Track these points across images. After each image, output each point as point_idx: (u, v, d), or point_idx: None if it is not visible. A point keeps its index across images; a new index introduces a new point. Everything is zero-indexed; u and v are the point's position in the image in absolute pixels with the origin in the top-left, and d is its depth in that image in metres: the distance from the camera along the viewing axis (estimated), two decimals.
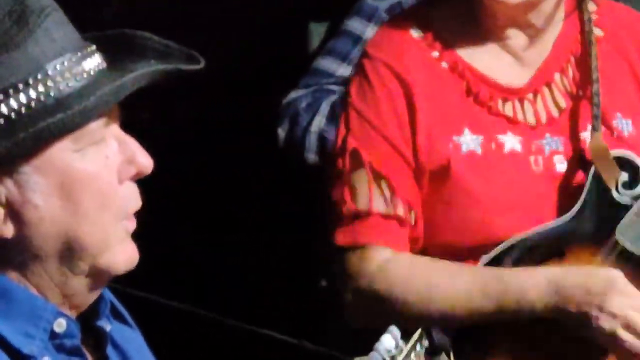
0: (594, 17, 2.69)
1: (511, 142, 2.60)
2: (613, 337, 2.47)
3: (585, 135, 2.62)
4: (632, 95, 2.70)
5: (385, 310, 2.53)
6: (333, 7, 3.55)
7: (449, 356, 2.07)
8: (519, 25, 2.62)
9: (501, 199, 2.57)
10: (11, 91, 1.77)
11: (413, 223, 2.58)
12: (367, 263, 2.55)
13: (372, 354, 1.94)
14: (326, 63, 3.39)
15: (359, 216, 2.57)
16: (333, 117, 3.24)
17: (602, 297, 2.46)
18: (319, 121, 3.28)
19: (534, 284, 2.50)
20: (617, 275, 2.50)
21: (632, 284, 2.50)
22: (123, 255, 1.87)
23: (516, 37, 2.63)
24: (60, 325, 1.83)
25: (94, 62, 1.84)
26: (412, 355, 2.01)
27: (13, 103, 1.77)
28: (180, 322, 2.20)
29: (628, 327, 2.47)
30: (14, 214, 1.80)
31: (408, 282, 2.55)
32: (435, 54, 2.64)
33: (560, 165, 2.61)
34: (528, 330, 2.54)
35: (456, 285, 2.54)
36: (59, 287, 1.85)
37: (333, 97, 3.33)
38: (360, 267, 2.56)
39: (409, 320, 2.45)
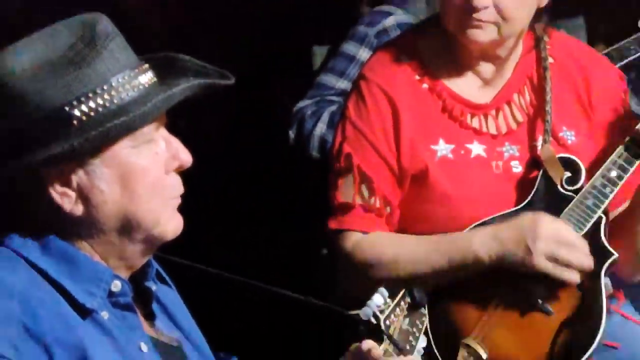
0: (547, 47, 2.66)
1: (477, 149, 2.58)
2: (551, 256, 2.44)
3: (537, 144, 2.59)
4: (576, 112, 2.65)
5: (365, 277, 2.54)
6: (332, 33, 3.52)
7: (425, 309, 2.13)
8: (488, 58, 2.60)
9: (468, 196, 2.55)
10: (83, 99, 1.77)
11: (389, 212, 2.57)
12: (347, 243, 2.56)
13: (365, 308, 2.00)
14: (327, 78, 3.41)
15: (345, 207, 2.57)
16: (332, 124, 3.25)
17: (533, 230, 2.44)
18: (320, 127, 3.30)
19: (476, 238, 2.47)
20: (540, 214, 2.49)
21: None
22: (172, 226, 1.87)
23: (485, 66, 2.61)
24: (116, 286, 1.83)
25: (148, 77, 1.84)
26: (397, 309, 2.07)
27: (84, 108, 1.77)
28: (208, 284, 2.21)
29: (559, 243, 2.45)
30: (84, 197, 1.80)
31: (379, 253, 2.54)
32: (418, 77, 2.60)
33: (516, 168, 2.59)
34: (478, 285, 2.51)
35: (416, 249, 2.52)
36: (118, 253, 1.85)
37: (333, 107, 3.34)
38: (343, 246, 2.57)
39: (385, 283, 2.45)
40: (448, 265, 2.50)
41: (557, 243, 2.44)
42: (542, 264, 2.44)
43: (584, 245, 2.46)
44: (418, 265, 2.51)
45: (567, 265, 2.44)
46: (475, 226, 2.52)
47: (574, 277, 2.46)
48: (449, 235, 2.52)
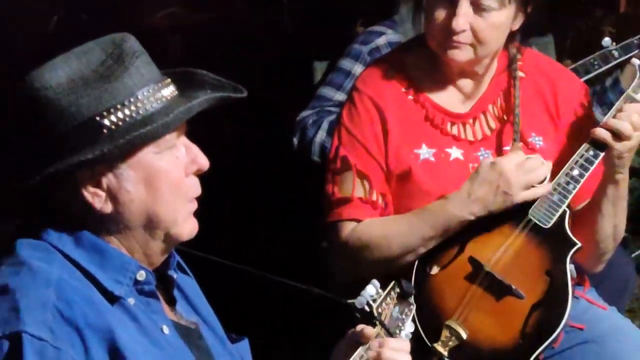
0: (519, 63, 2.65)
1: (455, 153, 2.58)
2: (524, 187, 2.45)
3: (507, 148, 2.58)
4: (544, 120, 2.64)
5: (362, 261, 2.53)
6: (330, 51, 3.52)
7: (412, 299, 2.13)
8: (466, 74, 2.59)
9: (446, 193, 2.54)
10: (112, 110, 1.78)
11: (384, 206, 2.57)
12: (343, 232, 2.55)
13: (359, 297, 2.02)
14: (326, 91, 3.40)
15: (342, 202, 2.56)
16: (331, 132, 3.21)
17: (501, 177, 2.43)
18: (321, 134, 3.29)
19: (455, 204, 2.46)
20: (496, 160, 2.48)
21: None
22: (187, 228, 1.88)
23: (464, 81, 2.61)
24: (141, 275, 1.84)
25: (170, 90, 1.84)
26: (388, 299, 2.08)
27: (113, 118, 1.78)
28: (222, 274, 2.22)
29: (523, 172, 2.44)
30: (112, 196, 1.81)
31: (370, 233, 2.53)
32: (404, 89, 2.60)
33: None
34: (458, 275, 2.51)
35: (402, 225, 2.51)
36: (142, 248, 1.86)
37: (332, 117, 3.32)
38: (340, 236, 2.56)
39: (379, 265, 2.49)
40: (434, 232, 2.49)
41: (523, 174, 2.45)
42: (522, 196, 2.46)
43: (540, 159, 2.48)
44: (406, 237, 2.50)
45: (540, 185, 2.47)
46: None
47: (546, 187, 2.48)
48: (427, 209, 2.51)
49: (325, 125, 3.30)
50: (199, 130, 1.93)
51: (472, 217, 2.47)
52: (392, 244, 2.52)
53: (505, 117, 2.61)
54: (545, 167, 2.48)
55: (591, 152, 2.49)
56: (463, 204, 2.47)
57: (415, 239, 2.51)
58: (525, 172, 2.46)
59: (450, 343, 2.47)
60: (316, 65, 3.61)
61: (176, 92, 1.85)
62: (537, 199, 2.50)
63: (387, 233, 2.52)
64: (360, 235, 2.54)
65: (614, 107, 2.50)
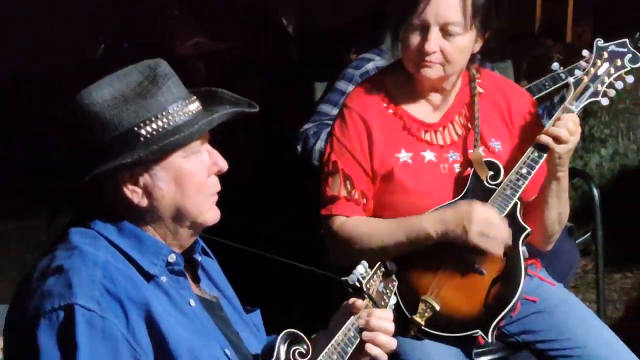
0: (478, 81, 2.63)
1: (429, 156, 2.56)
2: (481, 234, 2.42)
3: (471, 151, 2.56)
4: (501, 128, 2.59)
5: (348, 250, 2.51)
6: (329, 73, 3.49)
7: (394, 277, 2.15)
8: (436, 89, 2.58)
9: (423, 190, 2.53)
10: (147, 122, 1.78)
11: (364, 202, 2.54)
12: (334, 225, 2.54)
13: (351, 275, 2.03)
14: (325, 107, 3.35)
15: (333, 199, 2.55)
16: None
17: (468, 215, 2.41)
18: (320, 144, 3.26)
19: (427, 221, 2.44)
20: (474, 202, 2.45)
21: None
22: (211, 216, 1.88)
23: (434, 95, 2.59)
24: (172, 258, 1.84)
25: (195, 105, 1.84)
26: (374, 277, 2.09)
27: (148, 129, 1.78)
28: (240, 257, 2.21)
29: (487, 224, 2.42)
30: (148, 193, 1.81)
31: (356, 231, 2.52)
32: (385, 104, 2.58)
33: (458, 169, 2.56)
34: (431, 258, 2.49)
35: (383, 229, 2.49)
36: (173, 234, 1.86)
37: (329, 129, 3.32)
38: (331, 227, 2.55)
39: (362, 255, 2.38)
40: (407, 240, 2.45)
41: (486, 224, 2.42)
42: (475, 239, 2.43)
43: (504, 225, 2.45)
44: (384, 239, 2.48)
45: (493, 239, 2.44)
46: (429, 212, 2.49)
47: (498, 249, 2.45)
48: (407, 219, 2.48)
49: (323, 135, 3.28)
50: (218, 138, 1.93)
51: (435, 236, 2.44)
52: (371, 243, 2.50)
53: (469, 126, 2.58)
54: (506, 234, 2.44)
55: (536, 154, 2.49)
56: (433, 221, 2.44)
57: (390, 243, 2.49)
58: (488, 225, 2.42)
59: (426, 314, 2.46)
60: (316, 86, 3.57)
61: (200, 107, 1.85)
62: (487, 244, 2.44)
63: (369, 232, 2.50)
64: (348, 230, 2.53)
65: (554, 117, 2.51)
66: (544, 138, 2.47)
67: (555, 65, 3.32)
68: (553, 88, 3.43)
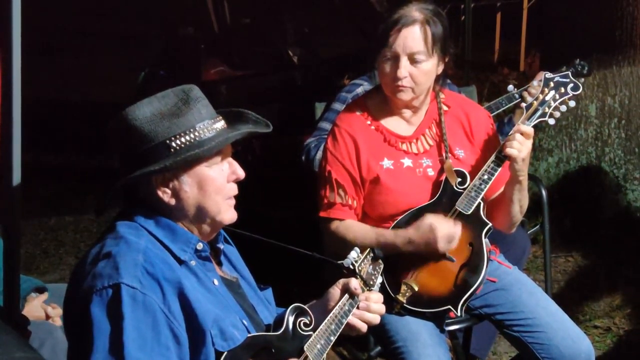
0: (443, 99, 2.61)
1: (407, 162, 2.53)
2: (447, 244, 2.41)
3: (442, 158, 2.54)
4: (463, 139, 2.58)
5: (342, 246, 2.45)
6: (327, 95, 3.47)
7: (381, 261, 2.14)
8: (409, 107, 2.55)
9: (402, 190, 2.51)
10: (177, 136, 1.77)
11: (355, 205, 2.52)
12: (331, 226, 2.53)
13: (346, 259, 2.04)
14: (324, 124, 3.31)
15: (329, 204, 2.53)
16: None
17: (433, 234, 2.40)
18: (320, 155, 3.28)
19: (400, 240, 2.43)
20: (435, 218, 2.42)
21: (464, 228, 2.45)
22: (228, 216, 1.86)
23: (407, 112, 2.57)
24: (199, 246, 1.83)
25: (220, 124, 1.83)
26: (365, 260, 2.08)
27: (178, 142, 1.78)
28: (254, 245, 2.19)
29: (448, 238, 2.41)
30: (176, 194, 1.80)
31: (348, 233, 2.50)
32: (368, 122, 2.55)
33: (431, 173, 2.53)
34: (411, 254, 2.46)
35: (369, 237, 2.47)
36: (197, 228, 1.85)
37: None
38: (329, 228, 2.53)
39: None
40: (386, 249, 2.37)
41: (449, 238, 2.42)
42: (443, 250, 2.43)
43: (459, 229, 2.44)
44: (372, 242, 2.45)
45: (454, 243, 2.43)
46: (406, 216, 2.47)
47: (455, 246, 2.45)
48: (384, 233, 2.46)
49: (322, 148, 3.28)
50: (237, 149, 1.92)
51: (406, 252, 2.43)
52: (359, 245, 2.48)
53: (438, 137, 2.57)
54: (455, 238, 2.44)
55: (495, 164, 2.49)
56: (402, 243, 2.43)
57: (374, 245, 2.45)
58: (448, 239, 2.42)
59: (407, 294, 2.44)
60: (317, 106, 3.56)
61: (225, 126, 1.83)
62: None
63: (358, 236, 2.48)
64: (342, 232, 2.51)
65: (511, 132, 2.50)
66: (505, 151, 2.46)
67: (510, 87, 3.33)
68: (509, 106, 3.42)
